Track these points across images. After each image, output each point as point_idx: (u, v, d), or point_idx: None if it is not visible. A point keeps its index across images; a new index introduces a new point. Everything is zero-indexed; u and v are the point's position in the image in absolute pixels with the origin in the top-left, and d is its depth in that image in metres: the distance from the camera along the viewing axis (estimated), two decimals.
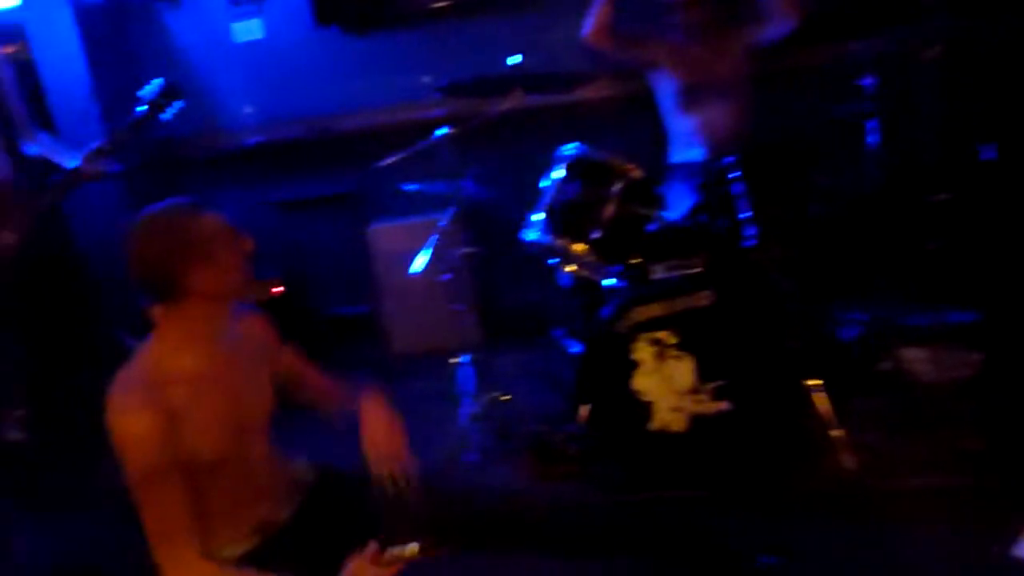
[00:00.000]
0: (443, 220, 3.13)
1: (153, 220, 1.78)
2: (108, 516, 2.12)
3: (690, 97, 3.41)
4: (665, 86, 3.54)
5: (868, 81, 3.05)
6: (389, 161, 3.05)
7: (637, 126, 3.60)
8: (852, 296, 3.26)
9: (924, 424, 2.71)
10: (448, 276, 3.31)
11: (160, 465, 1.70)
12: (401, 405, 1.99)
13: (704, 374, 2.67)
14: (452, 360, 3.35)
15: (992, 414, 2.70)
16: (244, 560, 1.86)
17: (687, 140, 3.51)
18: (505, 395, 3.23)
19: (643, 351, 2.71)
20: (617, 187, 2.90)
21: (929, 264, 2.97)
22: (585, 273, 2.96)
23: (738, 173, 2.81)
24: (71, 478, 2.68)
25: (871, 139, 3.04)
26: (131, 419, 1.68)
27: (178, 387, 1.76)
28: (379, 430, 1.94)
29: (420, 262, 3.02)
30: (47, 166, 2.93)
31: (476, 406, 3.23)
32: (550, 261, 3.05)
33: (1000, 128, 3.13)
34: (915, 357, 2.90)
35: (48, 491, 2.64)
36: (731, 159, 2.82)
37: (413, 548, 1.70)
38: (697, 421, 2.65)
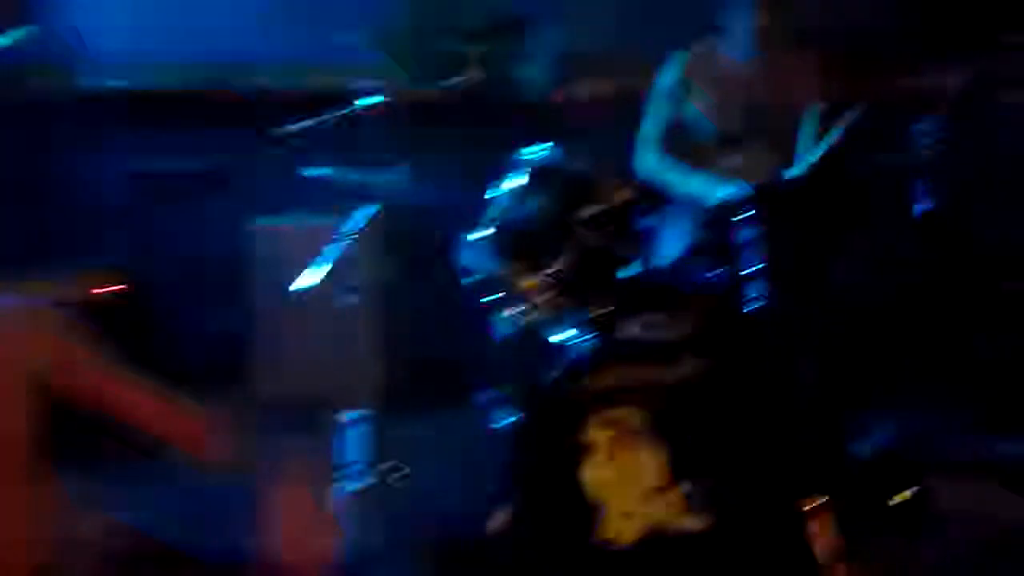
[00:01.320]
0: (353, 224, 2.96)
1: None
2: None
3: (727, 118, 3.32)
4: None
5: (926, 125, 2.99)
6: (291, 130, 2.86)
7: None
8: (882, 398, 3.19)
9: None
10: (347, 303, 3.16)
11: None
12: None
13: (676, 473, 2.56)
14: (336, 417, 3.15)
15: None
16: None
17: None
18: (403, 472, 3.07)
19: (598, 433, 2.58)
20: (593, 210, 2.81)
21: (986, 370, 2.86)
22: (532, 318, 2.85)
23: (752, 212, 2.71)
24: None
25: (921, 200, 2.97)
26: None
27: None
28: (300, 529, 1.85)
29: (309, 279, 2.86)
30: None
31: (360, 484, 3.05)
32: (487, 298, 2.95)
33: None
34: (951, 495, 2.85)
35: None
36: (745, 193, 2.74)
37: None
38: (657, 535, 2.55)
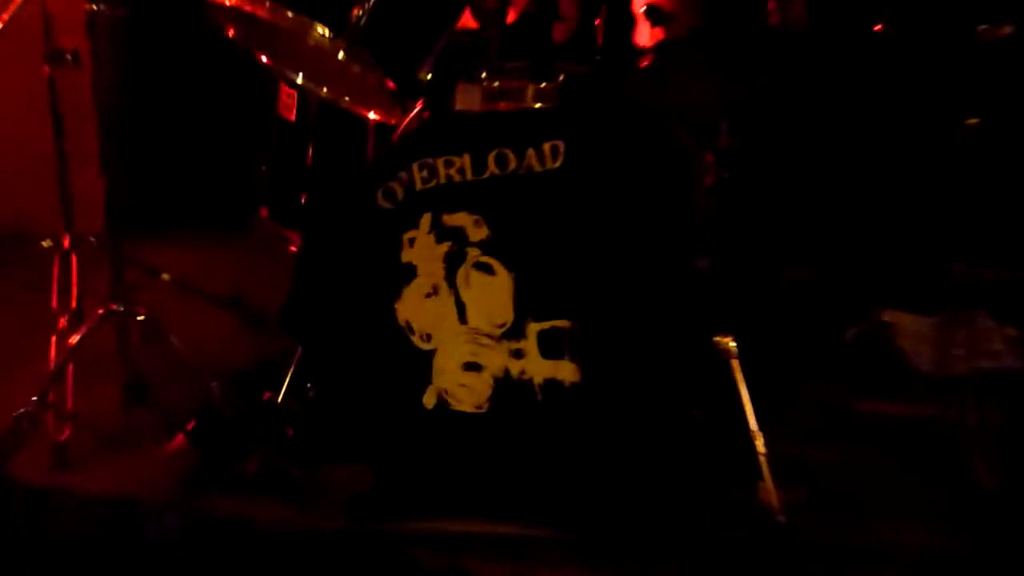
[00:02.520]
0: None
1: None
2: None
3: None
4: None
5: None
6: None
7: None
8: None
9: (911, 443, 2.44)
10: None
11: None
12: None
13: (531, 306, 2.12)
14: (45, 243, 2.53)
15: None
16: None
17: None
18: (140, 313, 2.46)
19: (422, 250, 2.11)
20: None
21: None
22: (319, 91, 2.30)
23: None
24: None
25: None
26: None
27: None
28: None
29: None
30: None
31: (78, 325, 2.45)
32: None
33: None
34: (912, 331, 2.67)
35: None
36: None
37: None
38: (510, 395, 2.16)
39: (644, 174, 2.06)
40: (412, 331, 2.12)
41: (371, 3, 2.09)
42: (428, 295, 2.11)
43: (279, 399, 2.34)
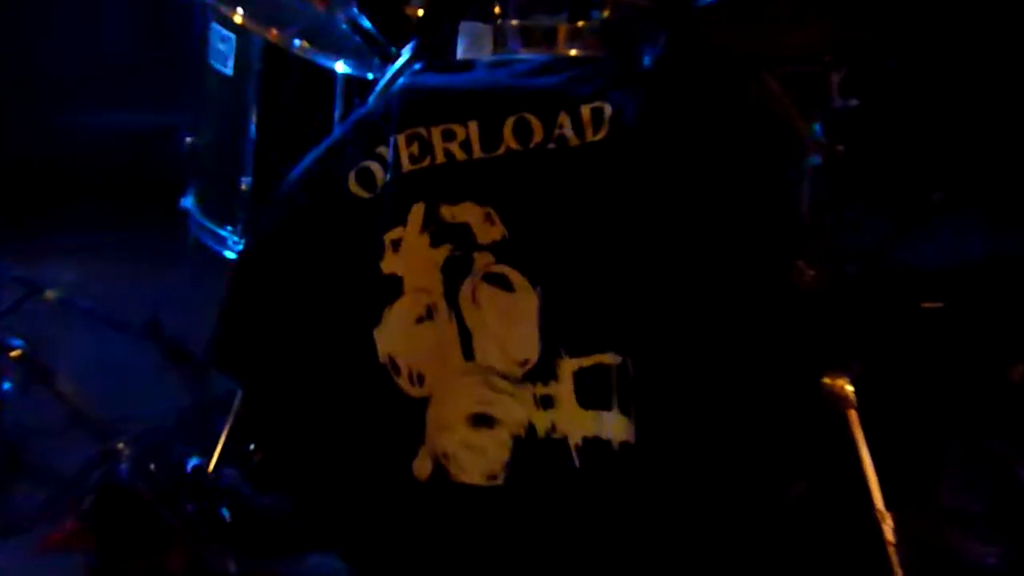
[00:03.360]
0: None
1: None
2: None
3: None
4: None
5: None
6: None
7: None
8: None
9: None
10: None
11: None
12: None
13: (565, 334, 2.11)
14: None
15: None
16: None
17: None
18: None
19: (415, 256, 2.11)
20: None
21: None
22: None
23: None
24: None
25: None
26: None
27: None
28: None
29: None
30: None
31: None
32: None
33: None
34: None
35: None
36: None
37: None
38: (536, 461, 2.15)
39: (724, 149, 2.05)
40: (397, 370, 2.07)
41: None
42: (420, 319, 2.07)
43: (210, 466, 2.31)
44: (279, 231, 2.17)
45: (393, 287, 2.06)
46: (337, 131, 2.32)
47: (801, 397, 2.18)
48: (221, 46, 2.49)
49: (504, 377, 2.09)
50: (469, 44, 2.21)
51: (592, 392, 2.07)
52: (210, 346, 2.26)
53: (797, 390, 2.17)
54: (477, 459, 2.12)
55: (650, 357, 2.06)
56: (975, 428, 2.68)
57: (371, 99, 2.31)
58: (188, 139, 2.63)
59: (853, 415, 2.16)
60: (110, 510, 2.41)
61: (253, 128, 2.46)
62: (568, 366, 2.07)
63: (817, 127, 2.33)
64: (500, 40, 2.19)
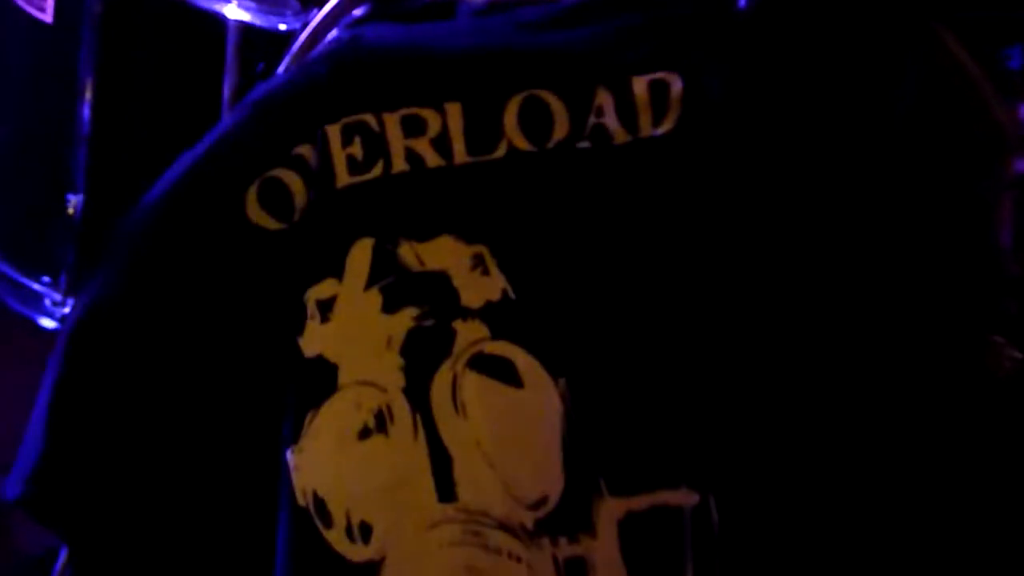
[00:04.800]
0: None
1: None
2: None
3: None
4: None
5: None
6: None
7: None
8: None
9: None
10: None
11: None
12: None
13: (604, 457, 1.78)
14: None
15: None
16: None
17: None
18: None
19: (357, 325, 1.80)
20: None
21: None
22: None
23: None
24: None
25: None
26: None
27: None
28: None
29: None
30: None
31: None
32: None
33: None
34: None
35: None
36: None
37: None
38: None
39: (872, 152, 1.51)
40: (327, 518, 1.48)
41: None
42: (365, 434, 1.48)
43: None
44: (130, 288, 1.60)
45: (321, 380, 1.49)
46: (228, 118, 1.71)
47: (1003, 560, 1.58)
48: None
49: (506, 529, 1.51)
50: None
51: (651, 551, 1.51)
52: (23, 488, 1.65)
53: (995, 551, 1.58)
54: None
55: (746, 496, 1.50)
56: None
57: (283, 65, 1.72)
58: None
59: None
60: None
61: (87, 111, 1.79)
62: (611, 509, 1.50)
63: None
64: None
